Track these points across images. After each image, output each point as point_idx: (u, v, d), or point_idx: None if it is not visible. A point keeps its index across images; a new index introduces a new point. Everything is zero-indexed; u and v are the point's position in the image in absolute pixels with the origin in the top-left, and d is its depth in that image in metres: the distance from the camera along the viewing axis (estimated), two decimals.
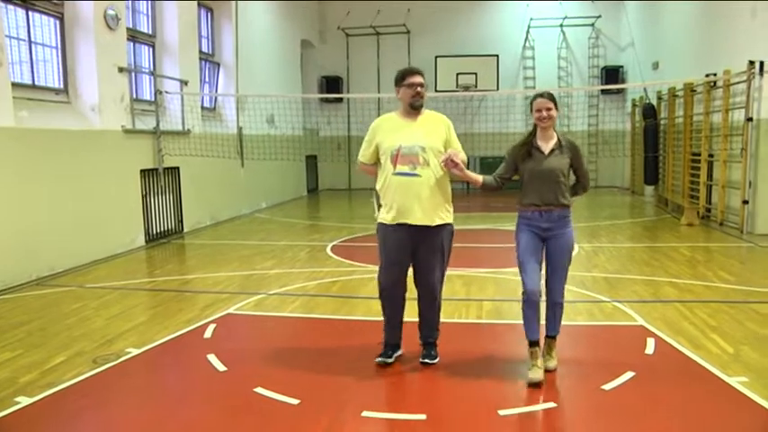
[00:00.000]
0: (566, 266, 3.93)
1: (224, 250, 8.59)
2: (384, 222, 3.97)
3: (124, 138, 8.52)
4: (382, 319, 4.13)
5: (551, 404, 3.50)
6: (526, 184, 3.88)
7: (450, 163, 3.82)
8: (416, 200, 3.84)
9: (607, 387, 3.69)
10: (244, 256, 7.98)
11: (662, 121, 12.88)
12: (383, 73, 17.38)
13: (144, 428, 3.38)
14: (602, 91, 16.43)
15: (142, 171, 8.97)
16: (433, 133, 3.97)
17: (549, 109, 3.80)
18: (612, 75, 16.19)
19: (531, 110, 3.84)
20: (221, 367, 4.14)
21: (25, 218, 6.67)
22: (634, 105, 14.99)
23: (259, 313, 5.45)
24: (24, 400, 3.67)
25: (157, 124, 9.27)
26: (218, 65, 12.21)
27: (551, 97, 3.83)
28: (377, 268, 4.04)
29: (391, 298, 4.03)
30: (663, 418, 3.34)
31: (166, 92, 9.78)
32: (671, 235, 9.21)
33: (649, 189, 14.02)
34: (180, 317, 5.32)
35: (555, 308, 3.97)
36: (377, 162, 4.06)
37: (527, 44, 17.12)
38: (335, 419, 3.36)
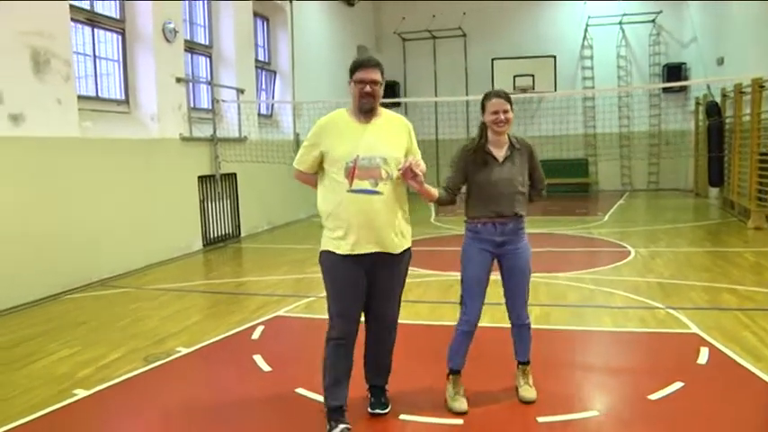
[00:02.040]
0: (526, 285, 3.53)
1: (278, 254, 8.75)
2: (334, 252, 3.13)
3: (182, 145, 8.82)
4: (323, 384, 3.27)
5: (593, 413, 3.40)
6: (477, 195, 3.42)
7: (408, 173, 3.11)
8: (379, 223, 3.10)
9: (653, 397, 3.56)
10: (297, 260, 8.09)
11: (727, 120, 12.34)
12: (440, 77, 17.35)
13: (185, 424, 3.49)
14: (664, 89, 15.86)
15: (200, 177, 9.25)
16: (393, 140, 3.23)
17: (506, 111, 3.34)
18: (674, 72, 15.61)
19: (483, 110, 3.38)
20: (266, 367, 4.21)
21: (89, 223, 6.98)
22: (697, 104, 14.42)
23: (308, 316, 5.51)
24: (81, 393, 3.89)
25: (214, 132, 9.55)
26: (275, 73, 12.47)
27: (508, 98, 3.37)
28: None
29: (346, 350, 3.21)
30: None
31: (223, 100, 10.07)
32: (735, 239, 8.81)
33: (714, 191, 13.44)
34: (231, 318, 5.45)
35: (522, 331, 3.60)
36: (317, 172, 3.28)
37: (585, 43, 16.75)
38: (371, 421, 3.38)
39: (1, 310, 5.82)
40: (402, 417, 3.41)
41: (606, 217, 11.66)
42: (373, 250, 3.12)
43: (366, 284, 3.19)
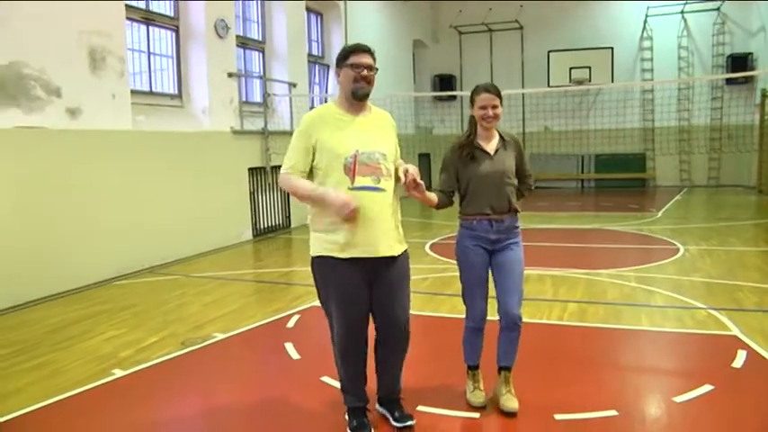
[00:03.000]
0: (520, 282, 3.35)
1: None
2: (334, 257, 2.92)
3: (233, 138, 9.01)
4: (339, 385, 3.23)
5: (613, 412, 3.30)
6: (471, 192, 3.32)
7: (411, 185, 2.96)
8: (383, 222, 2.92)
9: (679, 399, 3.43)
10: None
11: None
12: (496, 70, 17.10)
13: (212, 403, 3.59)
14: (728, 81, 15.11)
15: (250, 169, 9.44)
16: (386, 135, 3.08)
17: (495, 106, 3.26)
18: (740, 63, 14.83)
19: (472, 105, 3.31)
20: (295, 355, 4.29)
21: (141, 212, 7.24)
22: (764, 96, 13.71)
23: None
24: (119, 373, 4.07)
25: (265, 125, 9.72)
26: (328, 66, 12.59)
27: (498, 92, 3.28)
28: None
29: (357, 355, 3.08)
30: None
31: (275, 94, 10.24)
32: None
33: None
34: (269, 306, 5.55)
35: (513, 332, 3.34)
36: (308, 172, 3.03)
37: (644, 34, 16.12)
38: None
39: (60, 292, 6.14)
40: (419, 408, 3.39)
41: (660, 213, 11.26)
42: (376, 255, 2.91)
43: (369, 292, 2.99)
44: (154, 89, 8.09)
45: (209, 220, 8.42)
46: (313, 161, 2.96)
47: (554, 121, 16.41)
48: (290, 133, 10.25)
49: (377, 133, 3.02)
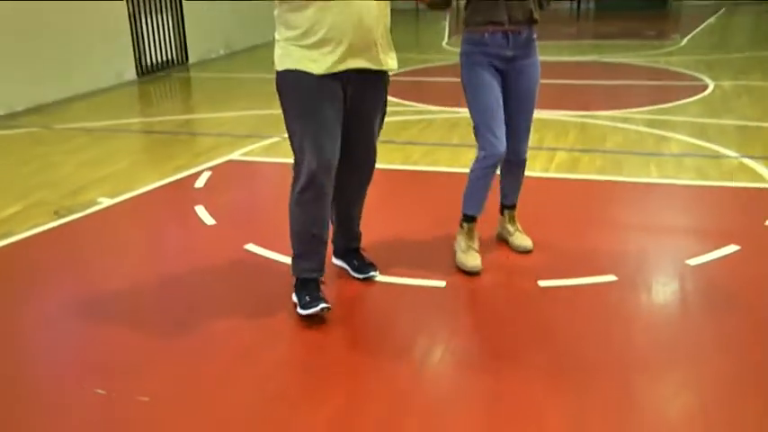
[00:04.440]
0: (533, 110, 3.61)
1: (237, 85, 8.84)
2: (308, 72, 3.08)
3: None
4: (292, 250, 3.34)
5: (610, 277, 3.52)
6: None
7: None
8: (373, 29, 3.08)
9: (693, 262, 3.65)
10: (261, 93, 8.12)
11: None
12: None
13: (104, 285, 3.64)
14: None
15: None
16: None
17: None
18: None
19: None
20: (209, 220, 4.41)
21: None
22: None
23: (268, 159, 5.71)
24: None
25: None
26: None
27: None
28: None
29: (324, 203, 3.24)
30: (749, 311, 3.19)
31: None
32: None
33: None
34: (169, 164, 5.64)
35: (520, 167, 3.77)
36: None
37: None
38: (337, 283, 3.55)
39: None
40: (381, 278, 3.57)
41: (685, 41, 11.50)
42: (362, 66, 3.11)
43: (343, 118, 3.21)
44: None
45: (73, 55, 8.18)
46: None
47: None
48: None
49: None
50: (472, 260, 3.63)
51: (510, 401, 2.59)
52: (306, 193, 3.17)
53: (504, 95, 3.52)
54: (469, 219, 3.69)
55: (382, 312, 3.37)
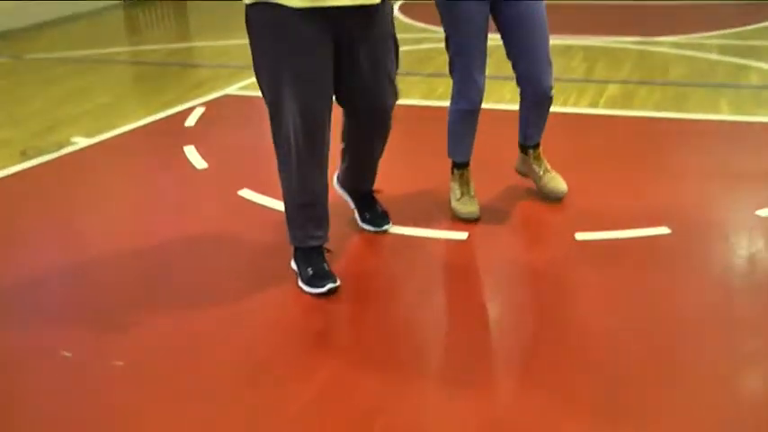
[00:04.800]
0: (548, 42, 3.44)
1: (240, 10, 8.68)
2: (285, 5, 2.87)
3: None
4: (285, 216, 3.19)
5: (662, 229, 3.38)
6: None
7: None
8: None
9: (764, 213, 3.50)
10: None
11: None
12: None
13: (84, 236, 3.64)
14: None
15: None
16: None
17: None
18: None
19: None
20: (201, 164, 4.37)
21: None
22: None
23: None
24: None
25: None
26: None
27: None
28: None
29: (314, 165, 3.07)
30: None
31: None
32: None
33: None
34: (157, 98, 5.60)
35: (545, 104, 3.58)
36: None
37: None
38: (346, 234, 3.49)
39: None
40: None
41: None
42: (350, 2, 2.87)
43: (335, 61, 2.98)
44: None
45: None
46: None
47: None
48: None
49: None
50: (468, 207, 3.56)
51: (537, 368, 2.49)
52: (285, 154, 3.03)
53: (506, 27, 3.42)
54: (459, 165, 3.66)
55: (394, 268, 3.27)
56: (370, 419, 2.24)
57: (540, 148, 3.76)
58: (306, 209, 3.10)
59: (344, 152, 3.41)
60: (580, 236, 3.37)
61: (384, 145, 3.37)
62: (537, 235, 3.48)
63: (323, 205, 3.13)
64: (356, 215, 3.57)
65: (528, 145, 3.75)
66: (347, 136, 3.31)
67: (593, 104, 5.16)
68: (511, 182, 3.86)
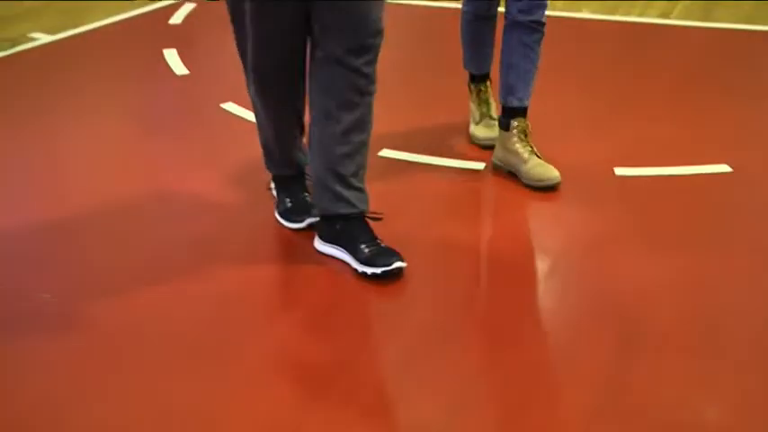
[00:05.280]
0: None
1: None
2: None
3: None
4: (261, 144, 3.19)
5: (722, 167, 3.37)
6: None
7: None
8: None
9: None
10: None
11: None
12: None
13: (37, 148, 3.74)
14: None
15: None
16: None
17: None
18: None
19: None
20: (181, 69, 4.46)
21: None
22: None
23: None
24: None
25: None
26: None
27: None
28: None
29: (280, 94, 3.09)
30: None
31: None
32: None
33: None
34: None
35: (531, 36, 3.27)
36: None
37: None
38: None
39: None
40: (383, 153, 3.53)
41: None
42: None
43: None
44: None
45: None
46: None
47: None
48: None
49: None
50: (485, 133, 3.54)
51: (560, 322, 2.53)
52: (260, 88, 3.08)
53: None
54: (476, 79, 3.60)
55: (401, 201, 3.22)
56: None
57: (527, 120, 3.38)
58: (275, 145, 3.16)
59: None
60: (620, 171, 3.35)
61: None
62: (567, 167, 3.30)
63: (292, 140, 3.16)
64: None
65: (509, 106, 3.34)
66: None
67: (665, 14, 5.17)
68: (539, 99, 3.56)
